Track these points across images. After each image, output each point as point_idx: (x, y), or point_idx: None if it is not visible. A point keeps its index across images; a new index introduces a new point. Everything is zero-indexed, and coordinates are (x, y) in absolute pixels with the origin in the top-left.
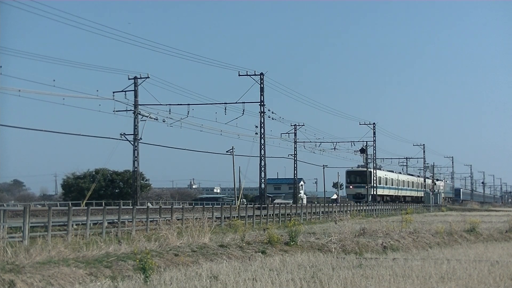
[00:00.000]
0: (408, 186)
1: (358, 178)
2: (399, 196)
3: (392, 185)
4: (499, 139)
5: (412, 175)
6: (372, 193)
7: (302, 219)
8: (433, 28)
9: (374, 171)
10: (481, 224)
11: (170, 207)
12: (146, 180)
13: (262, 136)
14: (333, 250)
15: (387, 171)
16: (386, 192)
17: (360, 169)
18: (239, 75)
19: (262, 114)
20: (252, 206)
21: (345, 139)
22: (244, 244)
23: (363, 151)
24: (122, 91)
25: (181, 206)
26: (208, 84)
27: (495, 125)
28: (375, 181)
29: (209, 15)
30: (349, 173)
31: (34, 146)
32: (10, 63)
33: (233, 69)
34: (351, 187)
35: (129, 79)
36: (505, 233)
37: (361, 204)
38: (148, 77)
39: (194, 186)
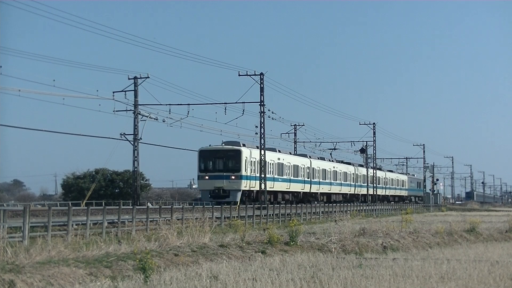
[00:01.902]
0: (364, 182)
1: (220, 163)
2: (345, 194)
3: (313, 177)
4: (499, 139)
5: (391, 171)
6: (259, 187)
7: (302, 219)
8: (433, 28)
9: (260, 152)
10: (481, 224)
11: (170, 207)
12: (146, 180)
13: (262, 136)
14: (333, 250)
15: (299, 156)
16: (286, 187)
17: (225, 147)
18: (239, 75)
19: (262, 114)
20: (252, 206)
21: (345, 139)
22: (244, 244)
23: (363, 151)
24: (122, 91)
25: (181, 206)
26: (208, 84)
27: (495, 125)
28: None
29: (209, 15)
30: (203, 155)
31: (34, 146)
32: (10, 63)
33: (233, 69)
34: (206, 177)
35: (129, 79)
36: (505, 233)
37: (222, 205)
38: (148, 77)
39: (194, 186)
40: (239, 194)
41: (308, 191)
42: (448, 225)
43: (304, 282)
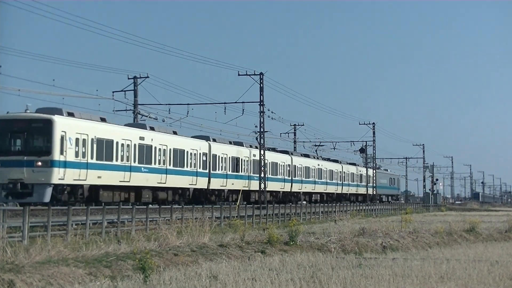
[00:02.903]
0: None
1: (20, 140)
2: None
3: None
4: (499, 139)
5: (354, 164)
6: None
7: (302, 219)
8: (433, 28)
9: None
10: (481, 224)
11: (170, 206)
12: None
13: (262, 135)
14: (333, 250)
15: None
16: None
17: (28, 115)
18: (239, 74)
19: (261, 113)
20: (251, 206)
21: (344, 139)
22: (243, 244)
23: (362, 151)
24: (121, 90)
25: (180, 206)
26: (208, 84)
27: (495, 125)
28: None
29: (209, 15)
30: None
31: None
32: (10, 62)
33: (232, 68)
34: None
35: (128, 78)
36: (505, 233)
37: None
38: (148, 77)
39: None
40: (49, 191)
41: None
42: (448, 225)
43: (304, 282)
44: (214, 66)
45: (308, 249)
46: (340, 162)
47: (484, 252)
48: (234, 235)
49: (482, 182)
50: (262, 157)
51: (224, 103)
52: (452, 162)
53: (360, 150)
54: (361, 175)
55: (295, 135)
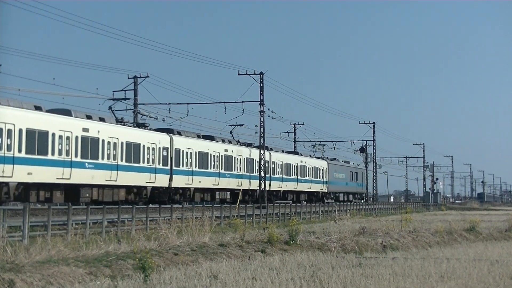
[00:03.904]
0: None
1: None
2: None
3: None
4: (499, 138)
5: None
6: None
7: (302, 218)
8: (432, 28)
9: None
10: (481, 223)
11: (170, 206)
12: None
13: (262, 135)
14: (333, 249)
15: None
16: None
17: None
18: (239, 74)
19: (262, 113)
20: (252, 205)
21: (344, 138)
22: (244, 243)
23: (362, 150)
24: (121, 90)
25: (181, 205)
26: (208, 84)
27: (495, 124)
28: None
29: (209, 15)
30: None
31: None
32: (10, 62)
33: (232, 68)
34: None
35: (128, 78)
36: (505, 232)
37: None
38: (148, 76)
39: None
40: None
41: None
42: (448, 224)
43: (304, 281)
44: (214, 65)
45: (308, 248)
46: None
47: (484, 252)
48: (234, 235)
49: (482, 182)
50: (261, 157)
51: (224, 102)
52: (452, 161)
53: (360, 150)
54: (316, 168)
55: (295, 134)
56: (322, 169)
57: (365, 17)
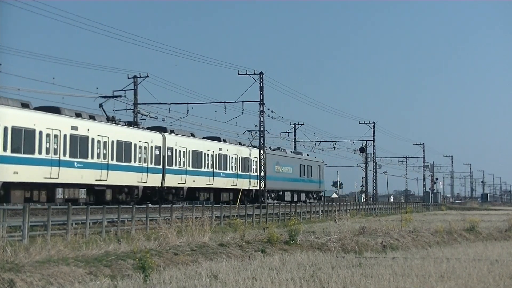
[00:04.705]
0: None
1: None
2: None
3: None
4: (498, 138)
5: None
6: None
7: (302, 218)
8: (432, 28)
9: None
10: (481, 223)
11: (170, 206)
12: None
13: (262, 135)
14: (333, 249)
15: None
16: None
17: None
18: (239, 74)
19: (261, 113)
20: (252, 205)
21: (344, 138)
22: (243, 243)
23: (362, 150)
24: (121, 90)
25: (181, 205)
26: (208, 83)
27: (495, 124)
28: None
29: (209, 15)
30: None
31: None
32: (10, 62)
33: (232, 68)
34: None
35: (128, 78)
36: (505, 232)
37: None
38: (148, 76)
39: None
40: None
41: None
42: (448, 224)
43: (304, 281)
44: (214, 65)
45: (308, 248)
46: (226, 141)
47: (484, 251)
48: (234, 235)
49: (482, 182)
50: (261, 157)
51: (224, 102)
52: (452, 161)
53: (360, 150)
54: (245, 159)
55: (295, 134)
56: (256, 160)
57: (365, 17)
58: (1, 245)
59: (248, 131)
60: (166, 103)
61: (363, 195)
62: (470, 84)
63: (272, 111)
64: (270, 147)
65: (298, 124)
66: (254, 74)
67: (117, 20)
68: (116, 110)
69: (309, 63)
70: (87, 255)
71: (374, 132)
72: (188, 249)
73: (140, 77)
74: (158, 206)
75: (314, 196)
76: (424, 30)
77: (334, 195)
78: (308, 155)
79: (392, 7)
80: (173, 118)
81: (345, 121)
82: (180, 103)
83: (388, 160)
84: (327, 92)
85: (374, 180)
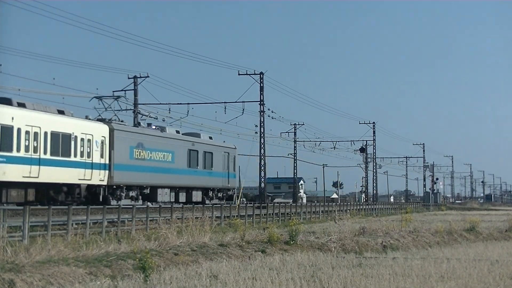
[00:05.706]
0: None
1: None
2: None
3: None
4: (498, 138)
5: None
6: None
7: (302, 218)
8: (432, 28)
9: None
10: (481, 223)
11: (170, 206)
12: None
13: (262, 135)
14: (333, 249)
15: None
16: None
17: None
18: (239, 74)
19: (262, 113)
20: (252, 205)
21: (345, 138)
22: (244, 243)
23: (362, 150)
24: (121, 90)
25: (181, 205)
26: (208, 84)
27: (495, 124)
28: None
29: (209, 15)
30: None
31: None
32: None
33: (233, 68)
34: None
35: (128, 78)
36: (505, 232)
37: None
38: (148, 76)
39: None
40: None
41: None
42: (448, 224)
43: (304, 281)
44: (214, 65)
45: (309, 248)
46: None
47: (484, 251)
48: (235, 235)
49: (482, 182)
50: (261, 156)
51: (224, 102)
52: (452, 161)
53: (360, 150)
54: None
55: (295, 134)
56: (97, 141)
57: (365, 17)
58: (1, 245)
59: (96, 97)
60: (166, 103)
61: (363, 195)
62: (470, 84)
63: (272, 111)
64: (190, 134)
65: (298, 124)
66: (254, 74)
67: (117, 20)
68: (116, 110)
69: (309, 63)
70: (87, 255)
71: (374, 132)
72: (188, 249)
73: (140, 77)
74: (158, 206)
75: (219, 195)
76: (424, 30)
77: (334, 195)
78: (211, 137)
79: (392, 7)
80: (173, 118)
81: (345, 121)
82: (181, 103)
83: (388, 160)
84: (327, 92)
85: (374, 180)
